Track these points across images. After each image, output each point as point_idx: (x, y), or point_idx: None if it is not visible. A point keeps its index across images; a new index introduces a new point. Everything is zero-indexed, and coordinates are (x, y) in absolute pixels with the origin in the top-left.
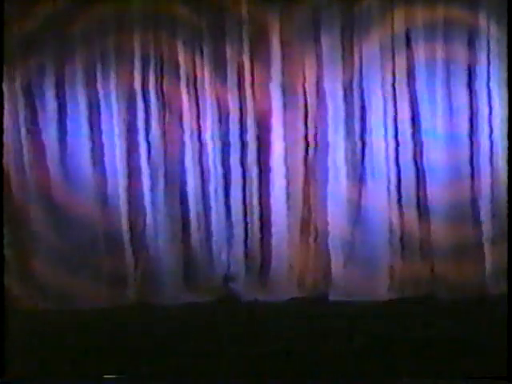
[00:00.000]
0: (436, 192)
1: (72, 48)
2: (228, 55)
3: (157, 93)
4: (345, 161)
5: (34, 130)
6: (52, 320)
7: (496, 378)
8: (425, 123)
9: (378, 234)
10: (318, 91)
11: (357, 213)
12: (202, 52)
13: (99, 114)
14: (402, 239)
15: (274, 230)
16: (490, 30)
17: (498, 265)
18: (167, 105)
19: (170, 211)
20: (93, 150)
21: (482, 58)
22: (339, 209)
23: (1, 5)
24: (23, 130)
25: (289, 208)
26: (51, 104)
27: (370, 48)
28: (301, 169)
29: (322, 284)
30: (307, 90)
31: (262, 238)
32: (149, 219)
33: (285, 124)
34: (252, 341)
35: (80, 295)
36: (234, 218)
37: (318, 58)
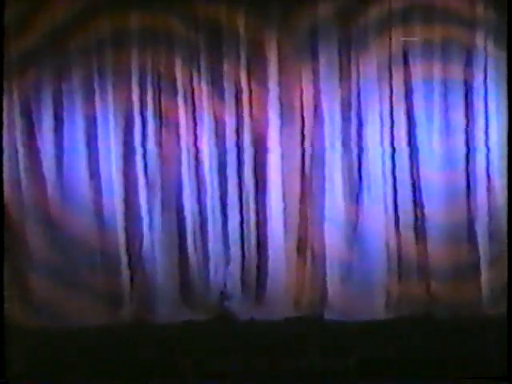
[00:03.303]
0: (433, 212)
1: (69, 64)
2: (225, 72)
3: (154, 110)
4: (342, 180)
5: (31, 148)
6: (48, 338)
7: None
8: (422, 142)
9: (375, 254)
10: (315, 108)
11: (353, 233)
12: (199, 68)
13: (96, 131)
14: (399, 259)
15: (270, 249)
16: (488, 48)
17: (496, 285)
18: (164, 122)
19: (167, 229)
20: (90, 167)
21: (480, 76)
22: (336, 228)
23: (1, 19)
24: (20, 147)
25: (285, 227)
26: (48, 120)
27: (368, 65)
28: (298, 188)
29: (318, 304)
30: (305, 106)
31: (258, 258)
32: (145, 237)
33: (282, 142)
34: (248, 359)
35: (76, 314)
36: (230, 237)
37: (316, 74)
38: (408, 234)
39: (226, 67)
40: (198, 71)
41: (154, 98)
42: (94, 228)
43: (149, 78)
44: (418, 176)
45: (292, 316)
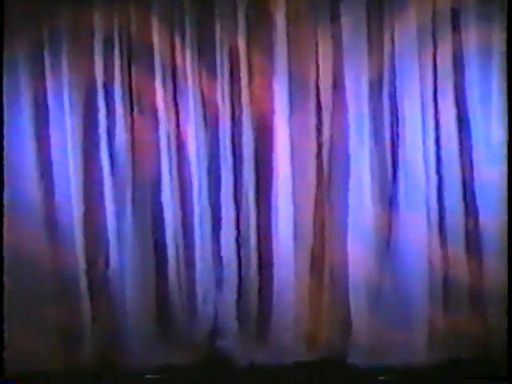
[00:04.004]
0: (490, 221)
1: (12, 27)
2: (217, 38)
3: (123, 88)
4: (371, 180)
5: None
6: None
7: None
8: (476, 130)
9: (414, 276)
10: (335, 88)
11: (386, 249)
12: (183, 32)
13: (47, 116)
14: (445, 283)
15: (275, 271)
16: None
17: None
18: (137, 104)
19: (140, 247)
20: (39, 165)
21: None
22: (363, 243)
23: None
24: None
25: (296, 243)
26: None
27: (405, 30)
28: (312, 191)
29: (339, 342)
30: (321, 85)
31: (260, 281)
32: (112, 258)
33: (292, 131)
34: None
35: (25, 356)
36: (224, 256)
37: (336, 42)
38: (457, 250)
39: (218, 31)
40: (182, 36)
41: (122, 71)
42: (44, 242)
43: (116, 44)
44: (471, 174)
45: (305, 359)
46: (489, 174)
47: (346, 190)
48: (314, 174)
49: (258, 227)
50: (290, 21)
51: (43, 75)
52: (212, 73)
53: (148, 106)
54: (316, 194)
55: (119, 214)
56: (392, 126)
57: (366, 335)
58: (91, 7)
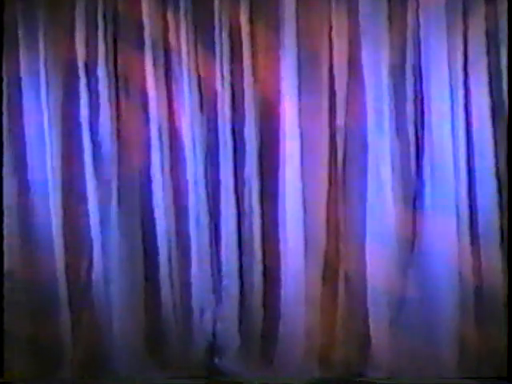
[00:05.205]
0: None
1: None
2: (216, 12)
3: (107, 69)
4: (392, 175)
5: None
6: None
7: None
8: None
9: (442, 286)
10: (351, 69)
11: (409, 255)
12: (176, 5)
13: (20, 102)
14: (477, 294)
15: (283, 280)
16: None
17: None
18: (123, 86)
19: (128, 253)
20: (12, 158)
21: None
22: (383, 248)
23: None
24: None
25: (306, 248)
26: None
27: (432, 3)
28: (324, 186)
29: (356, 359)
30: (335, 66)
31: (264, 292)
32: (96, 265)
33: (301, 119)
34: None
35: None
36: (223, 262)
37: (352, 16)
38: (491, 258)
39: (217, 4)
40: (176, 9)
41: (106, 50)
42: (18, 247)
43: (100, 18)
44: (508, 168)
45: (318, 379)
46: None
47: (364, 186)
48: (327, 168)
49: (263, 230)
50: None
51: (16, 54)
52: (210, 52)
53: (136, 90)
54: (329, 192)
55: (103, 215)
56: (416, 114)
57: (387, 353)
58: None
